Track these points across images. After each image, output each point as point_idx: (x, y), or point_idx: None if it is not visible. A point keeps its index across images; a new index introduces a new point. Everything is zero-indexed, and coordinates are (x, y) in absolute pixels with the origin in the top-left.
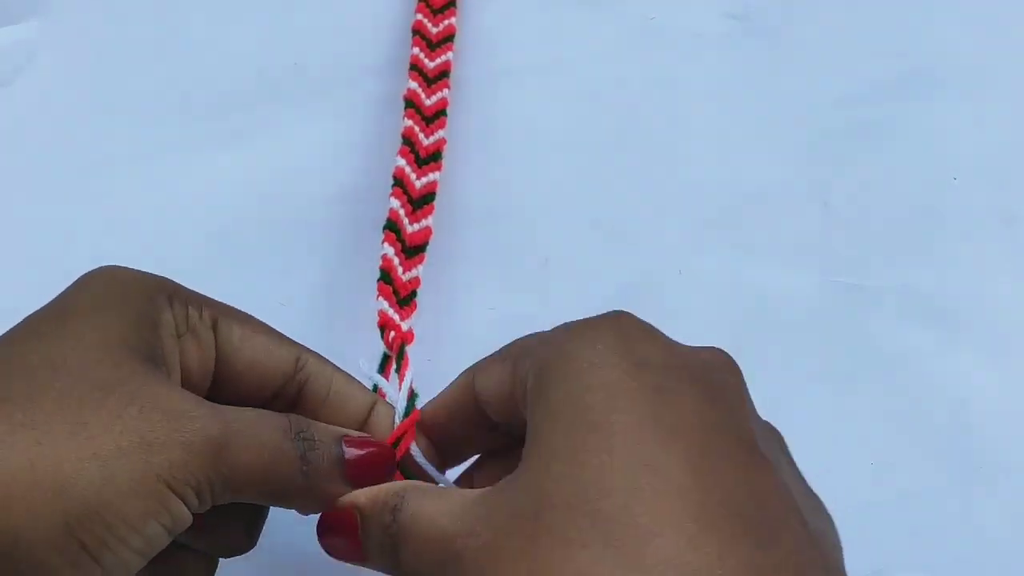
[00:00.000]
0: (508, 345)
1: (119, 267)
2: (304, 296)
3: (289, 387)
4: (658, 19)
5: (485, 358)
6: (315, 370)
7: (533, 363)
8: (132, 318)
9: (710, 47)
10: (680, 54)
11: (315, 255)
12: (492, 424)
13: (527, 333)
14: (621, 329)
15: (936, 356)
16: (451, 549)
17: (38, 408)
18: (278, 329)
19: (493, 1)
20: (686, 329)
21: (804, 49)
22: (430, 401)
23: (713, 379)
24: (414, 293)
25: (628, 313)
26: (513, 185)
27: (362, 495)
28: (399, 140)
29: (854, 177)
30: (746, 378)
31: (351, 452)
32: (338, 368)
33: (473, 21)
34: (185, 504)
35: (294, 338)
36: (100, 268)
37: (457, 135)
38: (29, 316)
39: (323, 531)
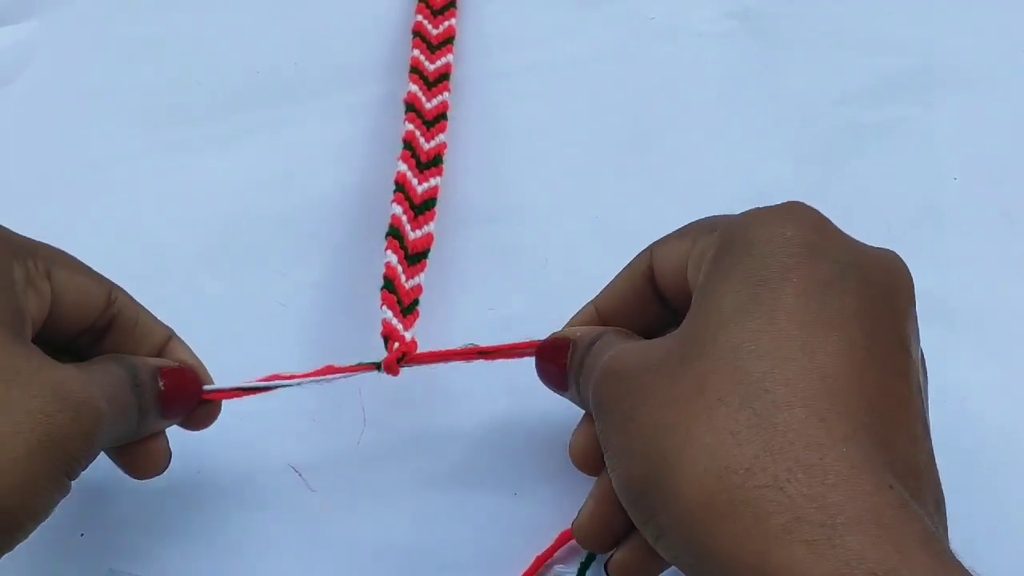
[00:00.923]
0: (689, 224)
1: None
2: (303, 297)
3: (101, 320)
4: (658, 19)
5: (666, 235)
6: (124, 303)
7: (716, 237)
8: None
9: (710, 47)
10: (680, 54)
11: (314, 256)
12: (660, 303)
13: (527, 331)
14: (804, 219)
15: (937, 356)
16: (619, 381)
17: None
18: (279, 330)
19: (493, 1)
20: None
21: (804, 49)
22: (607, 285)
23: (881, 280)
24: (416, 301)
25: (810, 207)
26: (513, 185)
27: (578, 329)
28: (399, 141)
29: (854, 176)
30: None
31: (166, 383)
32: (140, 304)
33: (473, 21)
34: (68, 476)
35: (295, 337)
36: None
37: (457, 135)
38: None
39: (541, 357)
